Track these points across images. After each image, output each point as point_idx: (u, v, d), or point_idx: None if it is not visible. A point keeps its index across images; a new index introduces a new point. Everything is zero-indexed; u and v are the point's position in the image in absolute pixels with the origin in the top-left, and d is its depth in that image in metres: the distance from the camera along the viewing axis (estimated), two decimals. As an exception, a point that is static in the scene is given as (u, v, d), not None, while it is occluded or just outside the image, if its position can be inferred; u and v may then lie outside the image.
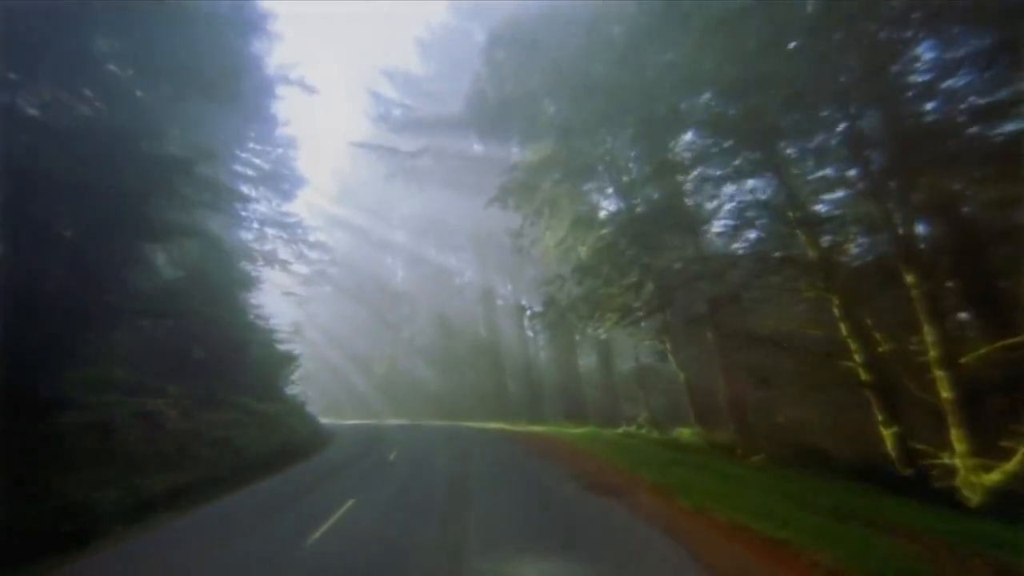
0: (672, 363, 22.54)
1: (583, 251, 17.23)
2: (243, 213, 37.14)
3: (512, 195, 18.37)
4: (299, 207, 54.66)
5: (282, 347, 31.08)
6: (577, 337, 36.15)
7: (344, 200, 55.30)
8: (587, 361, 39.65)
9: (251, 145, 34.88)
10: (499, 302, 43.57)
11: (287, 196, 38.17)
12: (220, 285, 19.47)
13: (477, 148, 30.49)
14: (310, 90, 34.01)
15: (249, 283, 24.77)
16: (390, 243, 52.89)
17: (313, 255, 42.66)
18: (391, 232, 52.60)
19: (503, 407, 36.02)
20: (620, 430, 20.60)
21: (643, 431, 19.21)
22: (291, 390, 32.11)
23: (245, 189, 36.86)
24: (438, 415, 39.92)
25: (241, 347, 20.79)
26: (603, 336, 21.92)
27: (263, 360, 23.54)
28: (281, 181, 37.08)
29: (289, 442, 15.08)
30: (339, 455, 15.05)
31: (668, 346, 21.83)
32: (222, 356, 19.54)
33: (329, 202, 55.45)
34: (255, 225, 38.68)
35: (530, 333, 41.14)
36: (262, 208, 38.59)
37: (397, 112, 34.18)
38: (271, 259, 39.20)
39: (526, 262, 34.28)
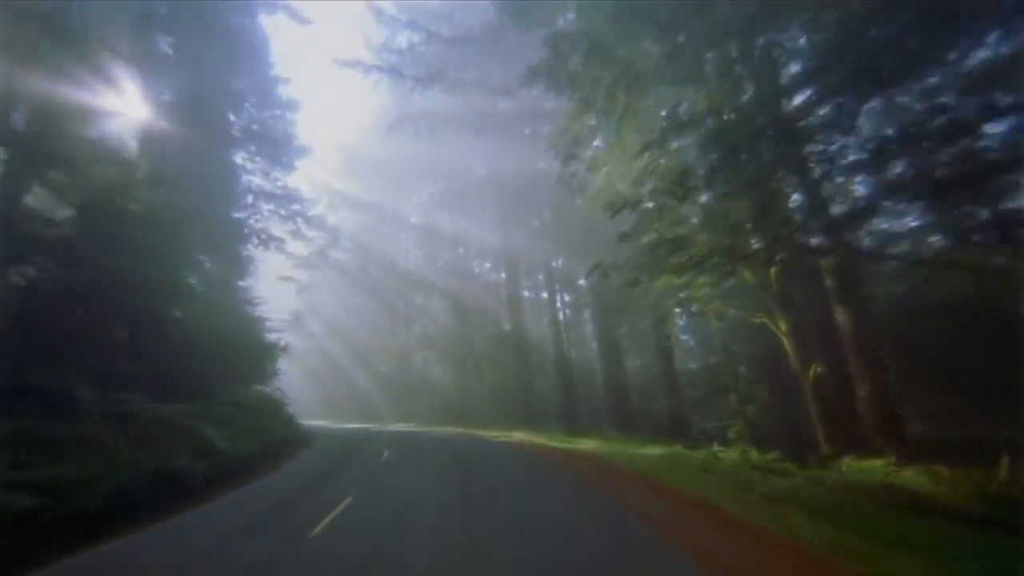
0: (790, 354, 15.35)
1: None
2: (238, 188, 32.12)
3: (561, 73, 11.04)
4: (299, 180, 48.93)
5: (266, 336, 25.78)
6: (625, 328, 29.17)
7: (350, 176, 49.08)
8: (631, 360, 32.64)
9: (247, 107, 29.49)
10: (525, 293, 36.68)
11: (285, 166, 32.70)
12: (120, 227, 13.01)
13: (499, 73, 23.56)
14: (301, 20, 28.48)
15: (186, 229, 17.93)
16: (402, 223, 46.47)
17: (313, 233, 37.17)
18: (403, 211, 46.20)
19: (528, 411, 29.03)
20: (720, 453, 13.49)
21: (769, 458, 12.01)
22: (269, 388, 26.60)
23: (239, 159, 31.62)
24: (450, 419, 33.23)
25: (161, 322, 14.35)
26: (694, 308, 14.72)
27: (215, 345, 17.07)
28: (278, 148, 31.45)
29: (175, 475, 8.38)
30: (235, 512, 8.07)
31: (784, 328, 14.74)
32: (121, 332, 13.12)
33: (334, 177, 49.34)
34: (249, 199, 33.27)
35: (563, 317, 34.13)
36: (256, 180, 33.22)
37: (403, 37, 27.21)
38: (263, 236, 33.68)
39: (566, 229, 27.44)
